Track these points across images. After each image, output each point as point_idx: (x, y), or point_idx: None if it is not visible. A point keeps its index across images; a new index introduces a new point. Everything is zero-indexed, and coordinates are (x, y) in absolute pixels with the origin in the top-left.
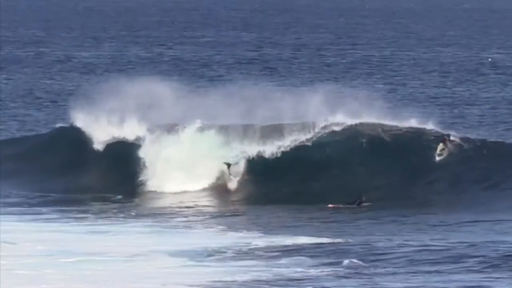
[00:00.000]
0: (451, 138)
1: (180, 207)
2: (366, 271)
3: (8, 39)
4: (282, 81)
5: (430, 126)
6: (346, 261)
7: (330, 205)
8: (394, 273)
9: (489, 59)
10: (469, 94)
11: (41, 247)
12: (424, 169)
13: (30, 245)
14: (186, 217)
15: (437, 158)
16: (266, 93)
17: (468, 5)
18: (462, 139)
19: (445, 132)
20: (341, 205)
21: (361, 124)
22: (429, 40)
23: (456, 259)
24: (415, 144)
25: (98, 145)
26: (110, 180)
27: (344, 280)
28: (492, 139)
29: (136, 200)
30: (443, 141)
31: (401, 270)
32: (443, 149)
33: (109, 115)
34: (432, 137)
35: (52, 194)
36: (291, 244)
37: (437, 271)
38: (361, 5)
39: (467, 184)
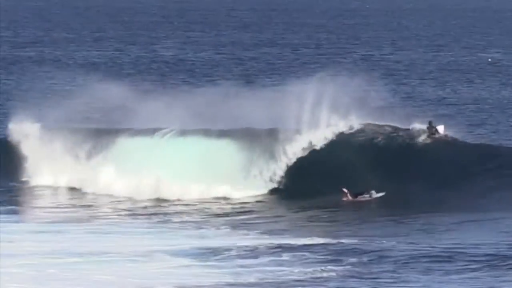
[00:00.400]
0: (433, 124)
1: (182, 208)
2: (370, 272)
3: (8, 39)
4: (281, 81)
5: (426, 126)
6: (350, 261)
7: (345, 194)
8: (396, 273)
9: (489, 59)
10: (469, 94)
11: (42, 247)
12: (425, 170)
13: (30, 244)
14: (190, 217)
15: (420, 141)
16: (261, 95)
17: (468, 5)
18: (462, 139)
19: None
20: (354, 199)
21: (359, 125)
22: (429, 40)
23: (459, 258)
24: (413, 144)
25: None
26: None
27: (348, 281)
28: (491, 140)
29: (138, 200)
30: (428, 128)
31: (403, 270)
32: (428, 136)
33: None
34: (430, 138)
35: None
36: (294, 244)
37: (439, 271)
38: (361, 5)
39: (468, 184)
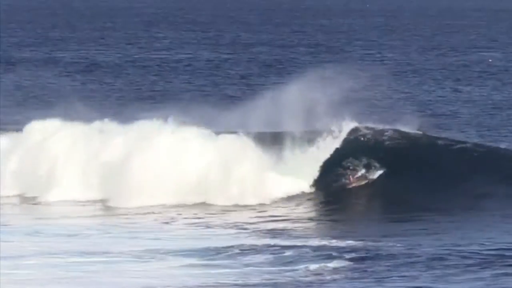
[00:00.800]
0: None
1: (184, 207)
2: (376, 272)
3: (7, 39)
4: (279, 82)
5: (425, 128)
6: (356, 262)
7: (349, 177)
8: (401, 273)
9: (490, 60)
10: (469, 94)
11: (43, 247)
12: (425, 170)
13: (31, 245)
14: (193, 217)
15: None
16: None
17: (469, 4)
18: (462, 139)
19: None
20: (353, 179)
21: (357, 126)
22: (428, 40)
23: (461, 258)
24: (412, 146)
25: None
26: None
27: (355, 281)
28: (492, 141)
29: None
30: None
31: (407, 269)
32: None
33: None
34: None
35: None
36: (298, 245)
37: (442, 270)
38: (362, 5)
39: (468, 184)
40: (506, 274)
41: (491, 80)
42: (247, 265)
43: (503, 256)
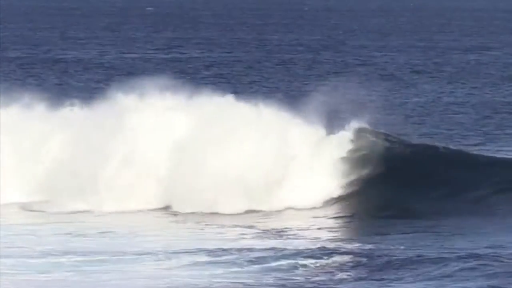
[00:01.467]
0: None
1: (188, 207)
2: (383, 272)
3: (7, 39)
4: (279, 82)
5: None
6: (363, 264)
7: None
8: (403, 276)
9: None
10: (468, 96)
11: (43, 247)
12: (426, 173)
13: (30, 245)
14: (197, 217)
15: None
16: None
17: (469, 4)
18: (462, 144)
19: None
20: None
21: (357, 131)
22: (428, 40)
23: (464, 261)
24: (412, 147)
25: None
26: None
27: (361, 282)
28: (492, 144)
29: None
30: None
31: (408, 272)
32: None
33: None
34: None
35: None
36: (302, 246)
37: (445, 277)
38: (362, 5)
39: (469, 187)
40: (504, 274)
41: (491, 80)
42: (250, 264)
43: (501, 256)
